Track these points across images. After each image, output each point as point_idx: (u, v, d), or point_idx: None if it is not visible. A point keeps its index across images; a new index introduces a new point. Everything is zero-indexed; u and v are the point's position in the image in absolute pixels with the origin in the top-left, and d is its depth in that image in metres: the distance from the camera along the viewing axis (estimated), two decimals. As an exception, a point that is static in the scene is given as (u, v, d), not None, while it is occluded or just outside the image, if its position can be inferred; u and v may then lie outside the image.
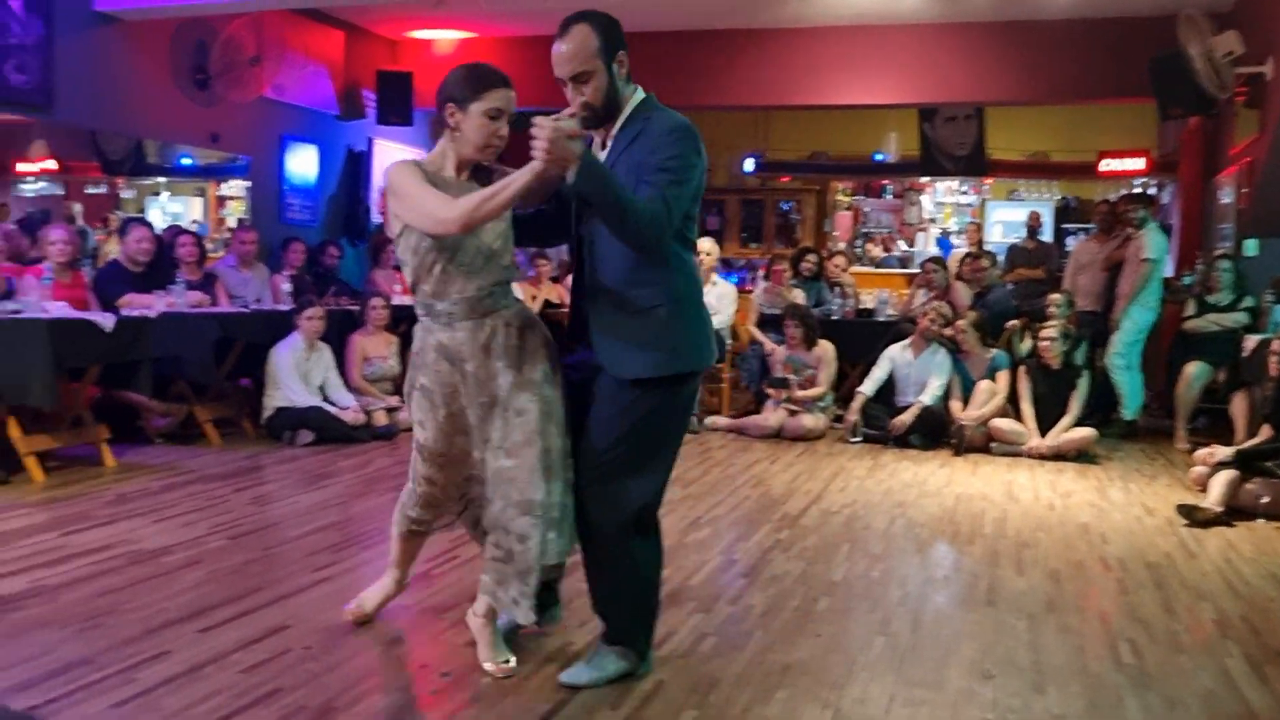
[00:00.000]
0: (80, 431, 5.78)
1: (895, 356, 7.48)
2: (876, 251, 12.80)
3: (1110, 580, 4.19)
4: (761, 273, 9.27)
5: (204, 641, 3.17)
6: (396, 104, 9.78)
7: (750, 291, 9.23)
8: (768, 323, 8.30)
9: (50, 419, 5.81)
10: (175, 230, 7.85)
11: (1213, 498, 5.21)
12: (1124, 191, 10.88)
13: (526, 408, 2.91)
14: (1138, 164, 11.37)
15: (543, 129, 2.57)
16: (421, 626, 3.39)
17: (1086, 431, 6.90)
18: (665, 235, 2.74)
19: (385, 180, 2.96)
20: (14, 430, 5.33)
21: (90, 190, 8.43)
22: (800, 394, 7.54)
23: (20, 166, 7.84)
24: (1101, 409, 7.92)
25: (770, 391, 7.66)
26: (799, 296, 8.47)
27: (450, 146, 2.97)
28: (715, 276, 8.25)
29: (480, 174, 2.99)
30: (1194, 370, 7.34)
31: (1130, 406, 7.79)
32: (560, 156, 2.59)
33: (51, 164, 7.86)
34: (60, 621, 3.30)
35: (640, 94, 2.90)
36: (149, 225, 7.13)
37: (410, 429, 3.27)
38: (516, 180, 2.70)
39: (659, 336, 2.83)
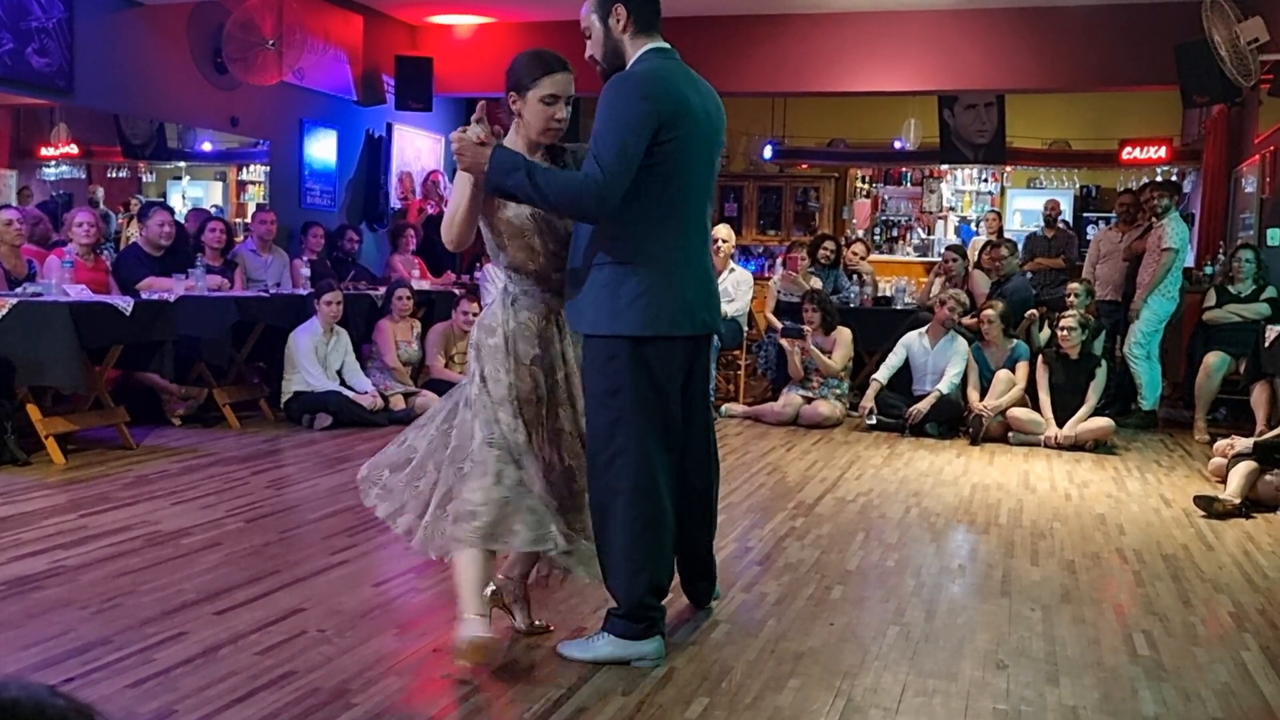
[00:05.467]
0: (100, 414, 5.82)
1: (912, 344, 7.45)
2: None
3: (1126, 572, 4.17)
4: (779, 260, 9.25)
5: (221, 623, 3.20)
6: (416, 89, 9.78)
7: (768, 279, 9.20)
8: (785, 310, 8.29)
9: (70, 401, 5.87)
10: (203, 215, 7.90)
11: (1231, 489, 5.17)
12: (1145, 180, 10.79)
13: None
14: (1160, 152, 11.28)
15: (454, 141, 2.85)
16: (435, 611, 3.41)
17: (1104, 422, 6.87)
18: (605, 199, 2.77)
19: None
20: (34, 412, 5.38)
21: (112, 174, 8.48)
22: (812, 346, 7.49)
23: (43, 150, 7.89)
24: (1120, 399, 7.88)
25: (784, 342, 7.61)
26: (816, 284, 8.46)
27: (518, 131, 3.00)
28: (732, 263, 8.24)
29: (554, 153, 3.05)
30: (1214, 361, 7.28)
31: (1149, 397, 7.74)
32: (470, 162, 2.82)
33: (73, 148, 7.91)
34: (79, 602, 3.34)
35: (647, 48, 2.95)
36: (170, 209, 7.18)
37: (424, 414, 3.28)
38: (459, 190, 2.91)
39: (601, 295, 2.89)
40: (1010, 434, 6.98)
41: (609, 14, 2.95)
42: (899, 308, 8.56)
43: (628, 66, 2.95)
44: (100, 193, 8.21)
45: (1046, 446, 6.83)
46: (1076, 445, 6.78)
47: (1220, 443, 5.95)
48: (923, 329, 7.49)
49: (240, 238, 8.21)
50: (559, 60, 2.96)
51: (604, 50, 2.98)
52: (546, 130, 2.96)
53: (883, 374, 7.42)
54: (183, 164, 8.88)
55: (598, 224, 2.87)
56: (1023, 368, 7.14)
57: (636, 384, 2.91)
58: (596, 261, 2.91)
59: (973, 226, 12.56)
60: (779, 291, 8.52)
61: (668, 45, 3.00)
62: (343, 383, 6.85)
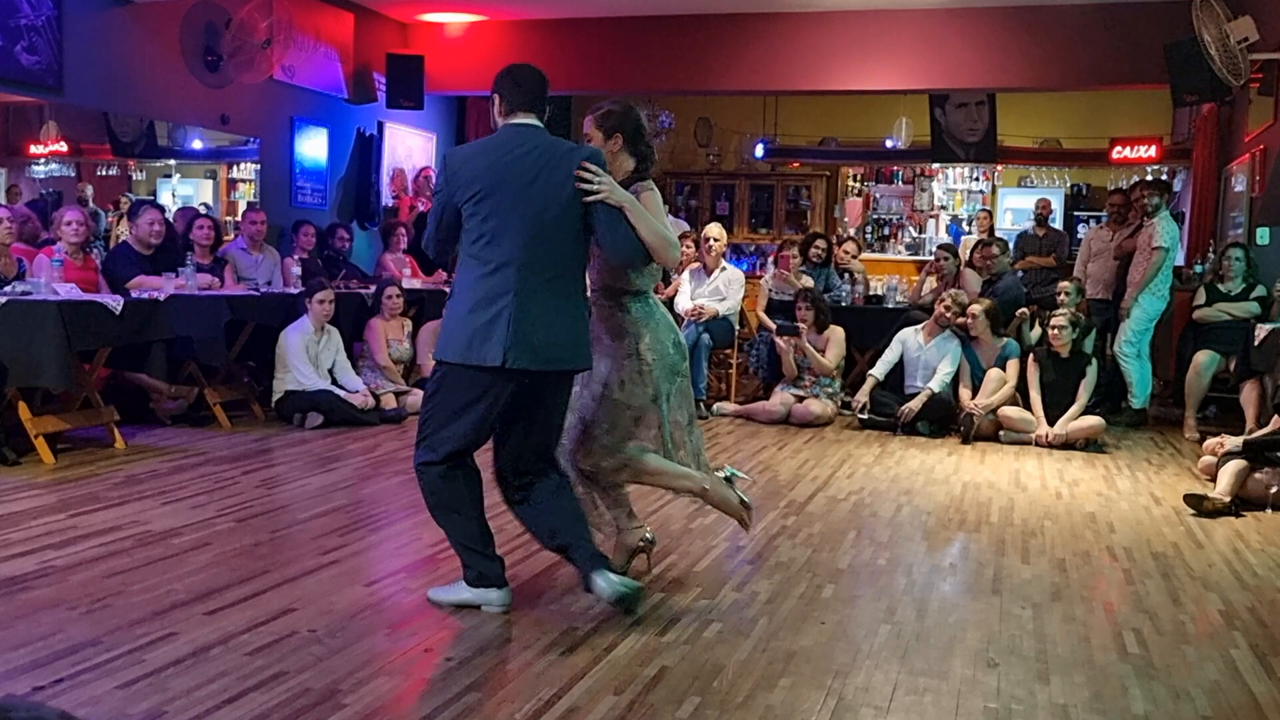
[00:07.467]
0: (90, 413, 5.80)
1: (907, 339, 7.45)
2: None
3: (1116, 570, 4.18)
4: (771, 259, 9.25)
5: (211, 623, 3.19)
6: (407, 87, 9.75)
7: (759, 277, 9.21)
8: (776, 309, 8.29)
9: (60, 400, 5.84)
10: (192, 213, 7.86)
11: (1221, 488, 5.19)
12: (1135, 179, 10.82)
13: None
14: (1150, 151, 11.31)
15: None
16: (427, 610, 3.40)
17: (1095, 420, 6.88)
18: (428, 249, 3.49)
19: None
20: (23, 412, 5.35)
21: (101, 172, 8.45)
22: (808, 345, 7.51)
23: (32, 148, 7.85)
24: (1111, 398, 7.90)
25: (779, 340, 7.62)
26: (808, 282, 8.45)
27: None
28: (724, 262, 8.24)
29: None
30: (1204, 359, 7.30)
31: (1139, 395, 7.76)
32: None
33: (62, 146, 7.87)
34: (68, 602, 3.33)
35: (501, 126, 3.43)
36: (160, 208, 7.15)
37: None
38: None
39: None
40: (1001, 432, 6.99)
41: (492, 103, 3.44)
42: (890, 306, 8.56)
43: None
44: (90, 191, 8.18)
45: (1037, 445, 6.84)
46: (1067, 444, 6.79)
47: (1210, 441, 5.97)
48: (918, 325, 7.49)
49: (230, 236, 8.19)
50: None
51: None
52: None
53: (879, 369, 7.42)
54: (173, 162, 8.85)
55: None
56: (1013, 366, 7.16)
57: (437, 396, 3.36)
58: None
59: (963, 225, 12.58)
60: (770, 290, 8.51)
61: (522, 121, 3.35)
62: (334, 382, 6.84)
